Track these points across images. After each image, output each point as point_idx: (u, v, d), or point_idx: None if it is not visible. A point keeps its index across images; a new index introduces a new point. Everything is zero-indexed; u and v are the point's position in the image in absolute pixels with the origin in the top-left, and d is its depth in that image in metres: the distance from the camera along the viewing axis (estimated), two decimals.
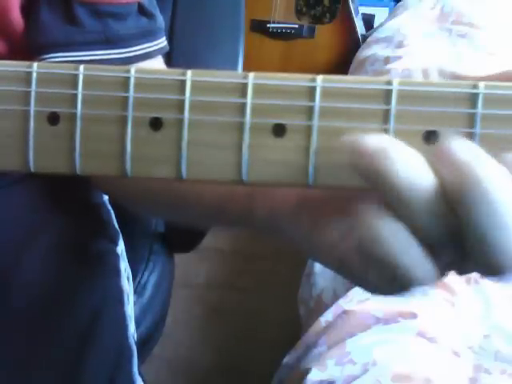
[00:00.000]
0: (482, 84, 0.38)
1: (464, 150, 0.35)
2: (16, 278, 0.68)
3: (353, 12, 1.97)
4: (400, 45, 1.59)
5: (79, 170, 0.41)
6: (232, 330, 1.65)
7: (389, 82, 0.38)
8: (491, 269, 0.36)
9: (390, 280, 0.38)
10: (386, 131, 0.38)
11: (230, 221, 0.51)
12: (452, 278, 1.04)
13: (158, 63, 0.67)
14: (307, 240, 0.42)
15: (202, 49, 0.91)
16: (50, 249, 0.70)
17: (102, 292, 0.71)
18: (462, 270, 0.39)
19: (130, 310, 0.74)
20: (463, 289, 0.97)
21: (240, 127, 0.40)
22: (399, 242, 0.36)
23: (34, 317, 0.67)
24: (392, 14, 1.84)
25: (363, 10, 2.09)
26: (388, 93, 0.38)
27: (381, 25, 1.82)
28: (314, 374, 0.87)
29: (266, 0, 2.02)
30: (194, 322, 1.68)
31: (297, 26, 2.00)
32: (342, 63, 1.88)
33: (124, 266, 0.75)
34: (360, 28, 2.00)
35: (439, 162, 0.35)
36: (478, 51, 1.51)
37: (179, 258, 1.04)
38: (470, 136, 0.38)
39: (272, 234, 0.47)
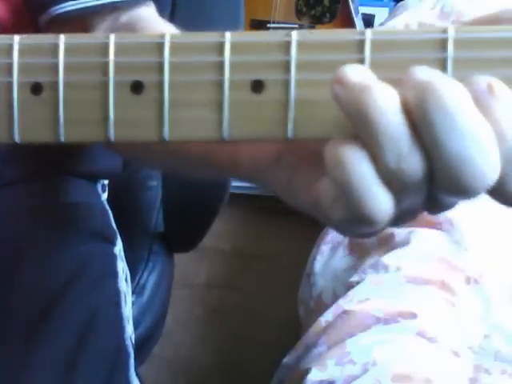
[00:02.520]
0: (451, 28, 0.38)
1: (425, 72, 0.36)
2: (15, 279, 0.68)
3: (353, 12, 1.96)
4: None
5: (64, 137, 0.41)
6: (232, 330, 1.65)
7: (362, 32, 0.39)
8: (462, 188, 0.37)
9: (350, 214, 0.39)
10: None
11: (216, 171, 0.53)
12: (452, 278, 1.04)
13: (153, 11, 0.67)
14: (286, 188, 0.45)
15: None
16: (47, 250, 0.69)
17: (98, 293, 0.70)
18: (432, 206, 0.40)
19: (128, 311, 0.74)
20: (463, 289, 0.97)
21: (219, 85, 0.40)
22: (360, 168, 0.37)
23: (31, 317, 0.67)
24: (392, 14, 1.84)
25: (363, 9, 2.09)
26: (361, 42, 0.39)
27: (381, 25, 1.82)
28: (314, 374, 0.87)
29: (266, 0, 2.02)
30: (194, 322, 1.68)
31: (297, 26, 2.00)
32: None
33: (122, 266, 0.75)
34: (360, 28, 2.00)
35: (403, 86, 0.36)
36: None
37: (179, 258, 1.04)
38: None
39: (256, 183, 0.49)
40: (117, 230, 0.77)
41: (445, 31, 0.38)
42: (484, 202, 1.17)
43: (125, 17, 0.64)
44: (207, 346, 1.62)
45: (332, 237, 1.16)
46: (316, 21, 2.00)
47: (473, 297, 0.97)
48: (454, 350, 0.89)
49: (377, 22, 2.09)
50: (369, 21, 2.11)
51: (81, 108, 0.41)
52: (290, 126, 0.40)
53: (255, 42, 0.40)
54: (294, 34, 0.39)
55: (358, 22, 2.00)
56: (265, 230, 1.85)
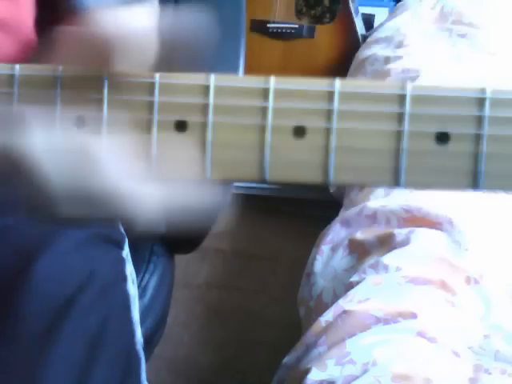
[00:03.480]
0: (489, 88, 0.40)
1: None
2: (26, 285, 0.67)
3: (353, 12, 1.96)
4: (400, 45, 1.59)
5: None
6: (232, 330, 1.65)
7: (403, 87, 0.41)
8: None
9: None
10: (399, 133, 0.41)
11: None
12: (452, 278, 1.04)
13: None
14: None
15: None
16: (57, 256, 0.69)
17: (109, 298, 0.69)
18: None
19: (136, 314, 0.73)
20: (463, 289, 0.97)
21: (262, 129, 0.42)
22: None
23: (42, 325, 0.66)
24: (392, 14, 1.84)
25: (363, 10, 2.09)
26: (402, 97, 0.40)
27: (381, 25, 1.82)
28: (314, 374, 0.87)
29: (266, 0, 2.02)
30: (194, 322, 1.68)
31: (297, 26, 2.00)
32: (342, 63, 1.88)
33: (130, 270, 0.74)
34: (360, 28, 2.00)
35: None
36: (478, 51, 1.51)
37: (179, 258, 1.04)
38: (479, 137, 0.40)
39: None
40: (124, 234, 0.76)
41: (483, 90, 0.40)
42: (484, 202, 1.18)
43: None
44: (207, 345, 1.62)
45: (332, 237, 1.16)
46: (316, 21, 2.00)
47: (473, 297, 0.97)
48: (454, 350, 0.89)
49: (377, 22, 2.09)
50: (369, 21, 2.11)
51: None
52: (331, 170, 0.42)
53: (299, 89, 0.41)
54: (338, 84, 0.41)
55: (358, 22, 2.00)
56: (265, 230, 1.85)
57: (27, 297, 0.66)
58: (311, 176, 0.42)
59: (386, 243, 1.06)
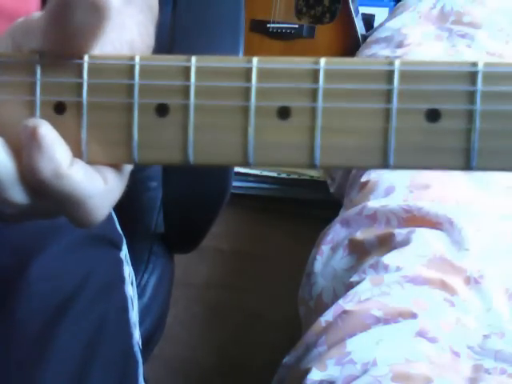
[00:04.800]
0: (481, 62, 0.38)
1: None
2: (23, 286, 0.67)
3: (353, 12, 1.96)
4: (400, 45, 1.59)
5: (86, 159, 0.42)
6: (232, 330, 1.65)
7: (391, 63, 0.39)
8: None
9: None
10: (388, 110, 0.39)
11: None
12: (452, 278, 1.04)
13: None
14: None
15: (202, 49, 0.91)
16: (54, 257, 0.68)
17: (106, 300, 0.69)
18: None
19: (135, 316, 0.72)
20: (463, 289, 0.97)
21: (245, 110, 0.40)
22: None
23: (39, 327, 0.65)
24: (392, 14, 1.84)
25: (363, 10, 2.09)
26: (390, 73, 0.39)
27: (381, 25, 1.82)
28: (314, 374, 0.87)
29: (266, 0, 2.02)
30: (194, 322, 1.68)
31: (297, 26, 2.00)
32: None
33: (128, 270, 0.74)
34: (360, 28, 2.00)
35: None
36: (478, 51, 1.51)
37: (179, 258, 1.04)
38: (471, 113, 0.38)
39: None
40: (122, 235, 0.76)
41: (474, 64, 0.38)
42: (484, 202, 1.18)
43: None
44: (207, 345, 1.62)
45: (332, 237, 1.16)
46: (316, 21, 2.00)
47: (473, 297, 0.97)
48: (454, 350, 0.89)
49: (377, 21, 2.09)
50: (369, 21, 2.11)
51: (105, 129, 0.41)
52: (317, 152, 0.40)
53: (283, 68, 0.40)
54: (322, 62, 0.39)
55: (358, 22, 2.00)
56: (264, 230, 1.85)
57: (24, 298, 0.65)
58: (297, 158, 0.40)
59: (386, 243, 1.06)
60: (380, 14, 2.13)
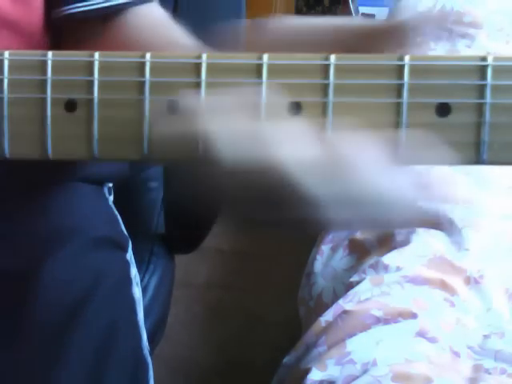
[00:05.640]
0: (490, 56, 0.39)
1: None
2: (35, 289, 0.66)
3: (353, 12, 1.97)
4: None
5: (97, 156, 0.42)
6: (232, 330, 1.65)
7: (401, 58, 0.39)
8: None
9: None
10: (399, 105, 0.39)
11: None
12: (452, 278, 1.03)
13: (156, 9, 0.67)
14: None
15: None
16: (65, 259, 0.68)
17: (115, 303, 0.69)
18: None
19: (141, 318, 0.72)
20: (463, 289, 0.97)
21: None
22: None
23: (52, 330, 0.65)
24: (392, 14, 1.84)
25: (363, 10, 2.09)
26: (400, 67, 0.39)
27: None
28: (314, 374, 0.87)
29: (266, 0, 2.02)
30: (194, 322, 1.68)
31: None
32: None
33: (134, 272, 0.73)
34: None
35: None
36: (477, 51, 1.51)
37: (179, 258, 1.04)
38: (481, 106, 0.39)
39: None
40: (128, 236, 0.76)
41: (484, 59, 0.39)
42: (484, 201, 1.17)
43: (132, 17, 0.64)
44: (207, 345, 1.62)
45: (332, 237, 1.16)
46: None
47: (473, 297, 0.97)
48: (454, 350, 0.89)
49: None
50: None
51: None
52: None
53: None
54: (333, 58, 0.40)
55: None
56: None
57: (36, 302, 0.65)
58: None
59: (386, 243, 1.06)
60: (380, 14, 2.13)
